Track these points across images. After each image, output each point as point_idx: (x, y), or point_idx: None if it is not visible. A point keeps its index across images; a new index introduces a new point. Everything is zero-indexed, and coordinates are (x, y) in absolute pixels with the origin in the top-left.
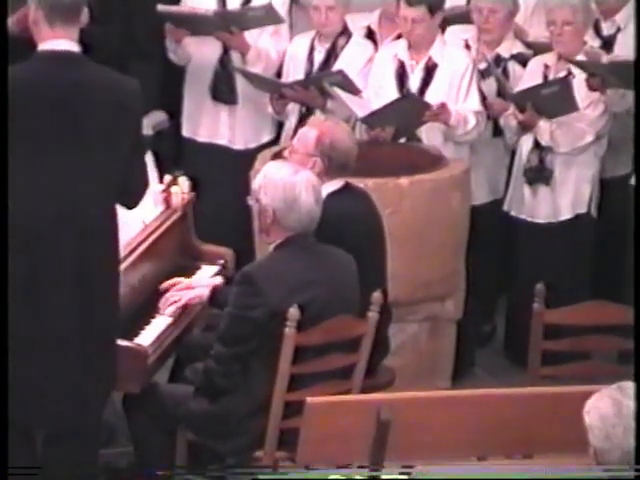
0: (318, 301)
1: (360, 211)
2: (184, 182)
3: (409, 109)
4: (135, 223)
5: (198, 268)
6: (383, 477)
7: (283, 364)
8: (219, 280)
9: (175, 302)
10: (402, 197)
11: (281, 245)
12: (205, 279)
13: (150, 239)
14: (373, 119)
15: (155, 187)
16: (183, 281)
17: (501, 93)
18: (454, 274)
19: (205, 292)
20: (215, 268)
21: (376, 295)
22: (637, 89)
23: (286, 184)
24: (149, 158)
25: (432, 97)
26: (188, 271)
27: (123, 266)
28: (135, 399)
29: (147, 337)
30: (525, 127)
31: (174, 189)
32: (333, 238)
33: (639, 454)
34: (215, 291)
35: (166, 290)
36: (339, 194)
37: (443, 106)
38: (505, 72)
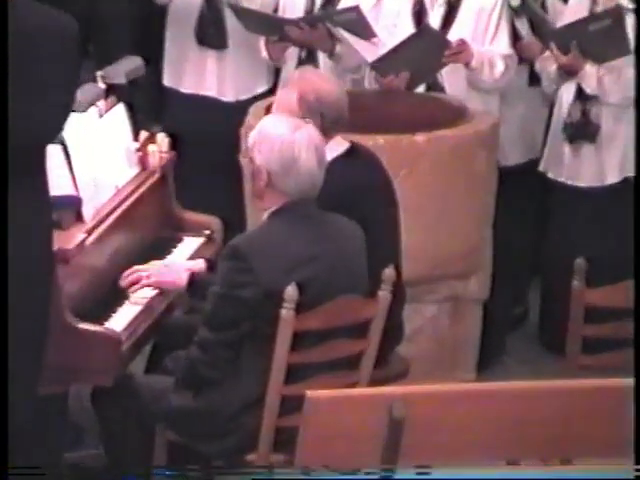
0: (320, 279)
1: (368, 177)
2: (163, 139)
3: (426, 48)
4: (106, 187)
5: (179, 240)
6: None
7: (279, 352)
8: (200, 264)
9: (145, 285)
10: (418, 157)
11: (277, 213)
12: (183, 262)
13: (123, 206)
14: (384, 64)
15: (129, 145)
16: (156, 264)
17: (538, 32)
18: (479, 247)
19: (183, 277)
20: (199, 240)
21: (388, 272)
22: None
23: (284, 142)
24: (121, 111)
25: (454, 38)
26: (168, 243)
27: (92, 238)
28: (106, 393)
29: (120, 321)
30: (567, 73)
31: (151, 148)
32: (337, 209)
33: (639, 454)
34: (194, 277)
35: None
36: (344, 158)
37: (463, 43)
38: (543, 7)
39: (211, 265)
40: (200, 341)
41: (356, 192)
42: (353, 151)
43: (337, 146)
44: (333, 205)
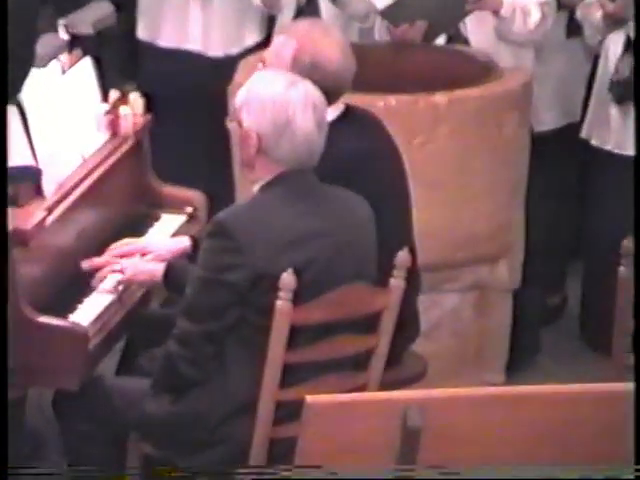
0: (320, 261)
1: (368, 145)
2: (137, 100)
3: None
4: (70, 157)
5: (156, 218)
6: None
7: (274, 350)
8: (185, 244)
9: (116, 272)
10: (437, 121)
11: (269, 185)
12: (164, 244)
13: (90, 179)
14: (396, 11)
15: (97, 107)
16: (132, 244)
17: None
18: (509, 227)
19: (158, 269)
20: (180, 218)
21: (401, 256)
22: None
23: (277, 100)
24: (88, 66)
25: None
26: (143, 222)
27: (53, 216)
28: (70, 399)
29: (87, 313)
30: (615, 22)
31: (123, 110)
32: (332, 183)
33: (639, 454)
34: (171, 267)
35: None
36: (338, 123)
37: None
38: None
39: (197, 244)
40: (179, 334)
41: (354, 162)
42: (348, 114)
43: (329, 109)
44: (328, 176)
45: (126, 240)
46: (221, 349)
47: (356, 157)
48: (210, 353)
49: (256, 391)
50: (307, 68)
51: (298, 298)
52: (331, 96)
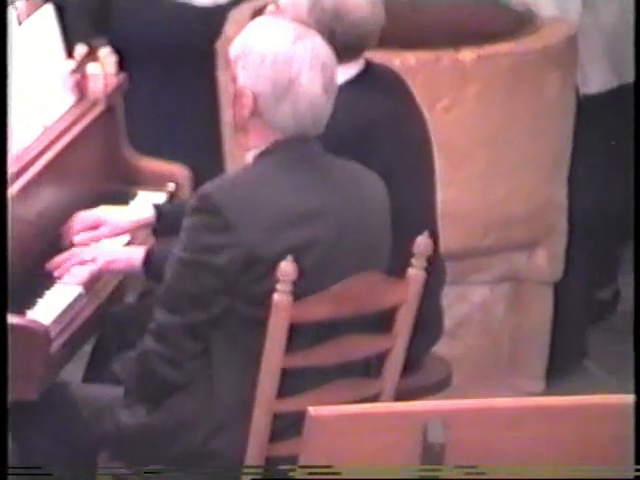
0: (323, 245)
1: (389, 110)
2: (109, 57)
3: None
4: (29, 124)
5: (132, 196)
6: None
7: (270, 352)
8: (147, 213)
9: (93, 274)
10: (464, 82)
11: (265, 153)
12: (123, 214)
13: (53, 150)
14: None
15: (61, 64)
16: (86, 218)
17: None
18: (549, 207)
19: (137, 254)
20: (160, 196)
21: (421, 241)
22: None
23: (279, 55)
24: (49, 15)
25: None
26: (116, 201)
27: (9, 194)
28: (28, 410)
29: (49, 309)
30: None
31: (92, 68)
32: (343, 154)
33: (639, 454)
34: (152, 252)
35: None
36: (355, 84)
37: None
38: None
39: (161, 214)
40: (156, 328)
41: (368, 130)
42: (368, 74)
43: (345, 67)
44: (338, 148)
45: (79, 215)
46: (206, 346)
47: (372, 124)
48: (193, 351)
49: (248, 400)
50: (328, 15)
51: (297, 289)
52: (352, 51)
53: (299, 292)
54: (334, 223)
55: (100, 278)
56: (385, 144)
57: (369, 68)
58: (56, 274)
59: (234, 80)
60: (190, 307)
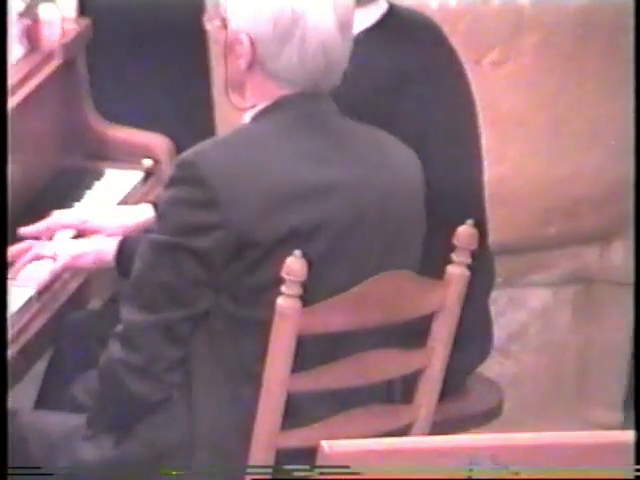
0: (335, 230)
1: (420, 64)
2: None
3: None
4: None
5: (99, 175)
6: None
7: (273, 371)
8: (146, 215)
9: (54, 274)
10: (519, 31)
11: (264, 112)
12: (115, 216)
13: None
14: None
15: (6, 7)
16: (66, 219)
17: None
18: (627, 189)
19: (108, 247)
20: (134, 175)
21: (464, 231)
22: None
23: None
24: None
25: None
26: (79, 180)
27: None
28: None
29: None
30: None
31: (46, 11)
32: (365, 118)
33: (639, 454)
34: (127, 243)
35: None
36: (376, 32)
37: None
38: None
39: None
40: (123, 330)
41: (396, 88)
42: (391, 19)
43: (363, 11)
44: (355, 111)
45: (56, 213)
46: (186, 355)
47: (397, 81)
48: (170, 359)
49: (244, 431)
50: None
51: (307, 293)
52: None
53: (312, 296)
54: (350, 203)
55: (57, 277)
56: (414, 106)
57: (393, 12)
58: (9, 275)
59: (224, 24)
60: (166, 302)
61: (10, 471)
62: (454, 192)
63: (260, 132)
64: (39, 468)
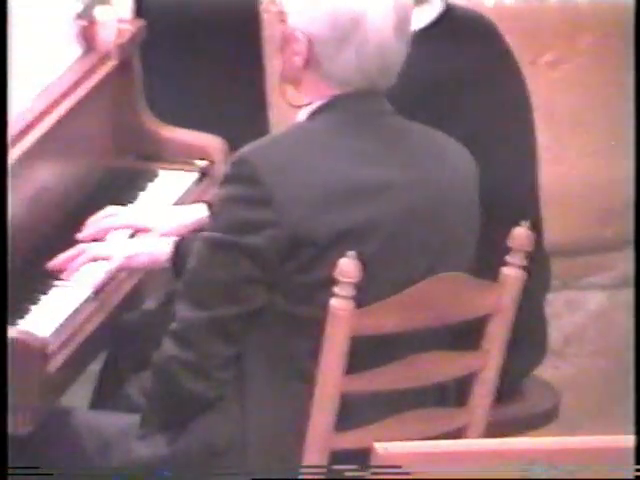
0: (388, 231)
1: (476, 63)
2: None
3: None
4: (23, 82)
5: (152, 176)
6: None
7: (327, 372)
8: (201, 214)
9: (110, 274)
10: (576, 30)
11: (320, 111)
12: (171, 216)
13: (54, 115)
14: None
15: (64, 9)
16: (120, 218)
17: None
18: None
19: (163, 247)
20: (188, 176)
21: (519, 233)
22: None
23: None
24: None
25: None
26: (132, 181)
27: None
28: (24, 444)
29: (47, 318)
30: None
31: (102, 13)
32: (419, 117)
33: (639, 454)
34: (183, 243)
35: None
36: (433, 32)
37: None
38: None
39: None
40: (178, 328)
41: (451, 87)
42: (447, 19)
43: (419, 10)
44: (409, 109)
45: (110, 210)
46: (239, 353)
47: (455, 80)
48: (223, 356)
49: (295, 427)
50: None
51: (361, 294)
52: None
53: (366, 298)
54: (404, 203)
55: (113, 278)
56: (470, 106)
57: (449, 12)
58: (62, 276)
59: (282, 19)
60: (219, 300)
61: (10, 471)
62: (509, 193)
63: (315, 131)
64: (39, 468)
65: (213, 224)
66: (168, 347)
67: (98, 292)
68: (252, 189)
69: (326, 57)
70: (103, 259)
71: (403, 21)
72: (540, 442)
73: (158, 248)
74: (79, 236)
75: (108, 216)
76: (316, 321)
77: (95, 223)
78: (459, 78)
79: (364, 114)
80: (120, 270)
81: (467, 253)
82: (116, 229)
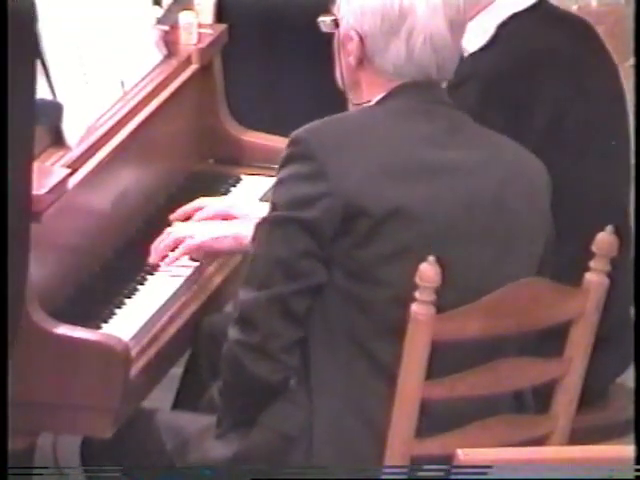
0: (447, 212)
1: (566, 46)
2: (205, 4)
3: None
4: (105, 87)
5: (235, 180)
6: None
7: (408, 378)
8: None
9: (187, 251)
10: None
11: (382, 101)
12: (256, 207)
13: (134, 121)
14: None
15: (144, 14)
16: (209, 206)
17: None
18: None
19: (247, 232)
20: (269, 181)
21: (604, 238)
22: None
23: None
24: None
25: None
26: (215, 185)
27: (80, 176)
28: (105, 447)
29: (128, 322)
30: None
31: (184, 17)
32: (500, 92)
33: (639, 454)
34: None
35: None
36: (528, 14)
37: None
38: None
39: None
40: (241, 311)
41: (536, 71)
42: (544, 5)
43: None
44: (494, 90)
45: (201, 201)
46: (303, 337)
47: (540, 65)
48: (286, 336)
49: (362, 412)
50: None
51: (405, 259)
52: None
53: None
54: (463, 186)
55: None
56: (554, 93)
57: (541, 5)
58: (151, 260)
59: (337, 22)
60: (279, 277)
61: (10, 471)
62: (594, 193)
63: (373, 114)
64: (39, 468)
65: (272, 204)
66: (232, 333)
67: (187, 285)
68: (306, 165)
69: (377, 51)
70: (189, 238)
71: (454, 17)
72: (626, 450)
73: (242, 231)
74: (172, 216)
75: (199, 207)
76: (377, 299)
77: (186, 213)
78: (548, 62)
79: (423, 101)
80: (201, 248)
81: (534, 251)
82: (207, 219)
